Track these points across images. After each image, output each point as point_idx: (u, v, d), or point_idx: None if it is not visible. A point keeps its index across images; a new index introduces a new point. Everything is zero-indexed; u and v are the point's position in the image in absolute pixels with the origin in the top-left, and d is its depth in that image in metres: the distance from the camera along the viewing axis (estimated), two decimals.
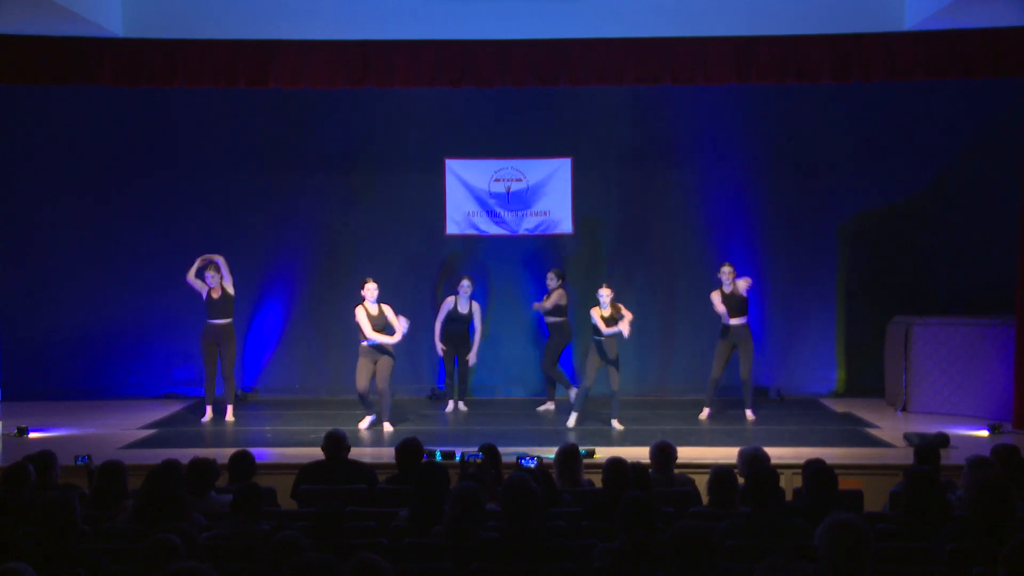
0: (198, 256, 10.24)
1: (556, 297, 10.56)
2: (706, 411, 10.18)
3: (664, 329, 11.72)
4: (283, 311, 11.81)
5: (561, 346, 10.69)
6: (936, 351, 10.24)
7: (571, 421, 9.66)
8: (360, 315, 9.53)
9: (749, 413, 10.07)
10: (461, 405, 10.70)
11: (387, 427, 9.52)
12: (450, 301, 10.66)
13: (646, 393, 11.25)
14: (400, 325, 9.52)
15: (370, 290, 9.56)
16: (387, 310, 9.58)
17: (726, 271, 10.00)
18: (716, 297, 10.02)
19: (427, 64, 9.31)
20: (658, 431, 9.02)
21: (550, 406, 10.70)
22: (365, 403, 9.65)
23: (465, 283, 10.59)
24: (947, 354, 10.19)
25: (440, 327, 10.71)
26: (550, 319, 10.68)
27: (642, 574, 4.03)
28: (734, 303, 9.97)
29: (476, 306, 10.70)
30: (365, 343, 9.54)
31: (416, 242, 11.81)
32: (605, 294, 9.57)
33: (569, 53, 9.29)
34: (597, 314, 9.52)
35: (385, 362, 9.57)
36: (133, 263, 11.63)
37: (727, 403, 10.40)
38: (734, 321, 9.99)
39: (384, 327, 9.54)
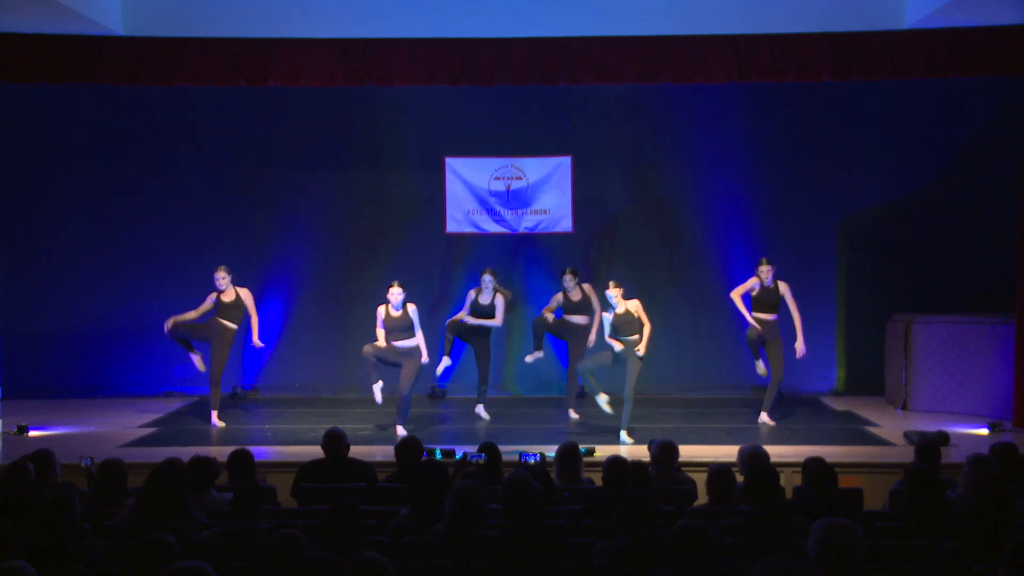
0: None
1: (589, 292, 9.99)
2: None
3: (663, 328, 11.70)
4: (283, 309, 11.80)
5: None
6: (936, 349, 10.24)
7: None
8: (378, 314, 9.28)
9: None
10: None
11: (399, 430, 9.07)
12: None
13: (646, 391, 11.24)
14: (417, 334, 9.24)
15: (393, 295, 9.14)
16: (412, 313, 9.22)
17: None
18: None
19: (427, 62, 9.31)
20: (658, 429, 9.03)
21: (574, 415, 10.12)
22: (370, 367, 9.23)
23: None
24: (947, 352, 10.19)
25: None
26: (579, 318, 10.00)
27: (642, 572, 4.03)
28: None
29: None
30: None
31: (416, 240, 11.81)
32: (614, 295, 8.86)
33: (569, 51, 9.29)
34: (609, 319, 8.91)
35: (410, 365, 9.22)
36: (133, 261, 11.63)
37: (730, 402, 10.39)
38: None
39: (406, 329, 9.20)
